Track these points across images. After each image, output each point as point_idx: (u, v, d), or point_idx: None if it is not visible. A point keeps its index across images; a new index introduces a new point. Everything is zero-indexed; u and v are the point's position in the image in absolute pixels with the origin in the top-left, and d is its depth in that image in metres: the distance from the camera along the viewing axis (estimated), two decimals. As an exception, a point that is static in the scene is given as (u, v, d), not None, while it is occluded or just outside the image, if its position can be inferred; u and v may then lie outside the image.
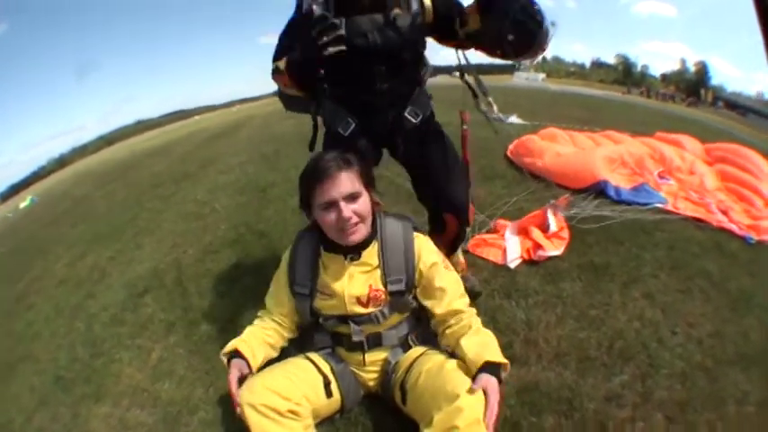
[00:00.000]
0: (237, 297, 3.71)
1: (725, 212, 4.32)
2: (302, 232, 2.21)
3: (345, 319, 2.11)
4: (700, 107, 44.13)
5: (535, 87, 35.20)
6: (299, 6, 2.29)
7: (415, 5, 2.22)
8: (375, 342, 2.15)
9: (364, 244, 2.03)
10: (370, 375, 2.22)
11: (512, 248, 3.67)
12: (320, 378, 2.07)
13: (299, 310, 2.18)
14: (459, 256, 3.09)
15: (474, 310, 2.10)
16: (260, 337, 2.17)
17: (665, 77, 79.37)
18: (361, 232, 1.95)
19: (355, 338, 2.12)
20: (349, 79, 2.31)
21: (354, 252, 2.03)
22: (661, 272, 3.40)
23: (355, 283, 2.05)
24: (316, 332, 2.24)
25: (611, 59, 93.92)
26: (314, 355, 2.17)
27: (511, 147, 6.37)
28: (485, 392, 1.68)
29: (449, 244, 2.73)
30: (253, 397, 1.83)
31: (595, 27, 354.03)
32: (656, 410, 2.25)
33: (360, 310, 2.07)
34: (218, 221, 5.74)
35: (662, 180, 5.13)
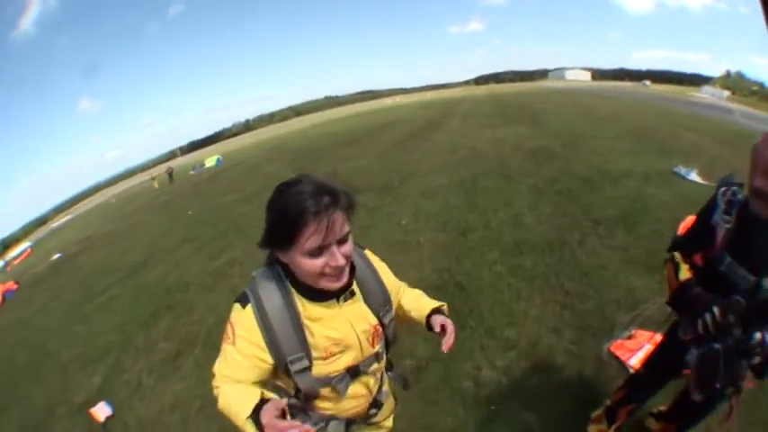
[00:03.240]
0: (436, 347, 4.61)
1: None
2: (262, 283, 1.75)
3: (357, 370, 1.92)
4: None
5: (719, 109, 32.23)
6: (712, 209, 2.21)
7: None
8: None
9: (349, 284, 1.79)
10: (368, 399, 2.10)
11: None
12: None
13: (304, 388, 1.82)
14: None
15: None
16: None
17: None
18: (347, 276, 1.72)
19: (367, 369, 1.96)
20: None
21: (342, 294, 1.79)
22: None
23: (358, 325, 1.85)
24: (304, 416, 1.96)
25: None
26: None
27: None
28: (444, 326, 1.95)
29: None
30: None
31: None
32: None
33: (371, 350, 1.93)
34: (424, 259, 6.78)
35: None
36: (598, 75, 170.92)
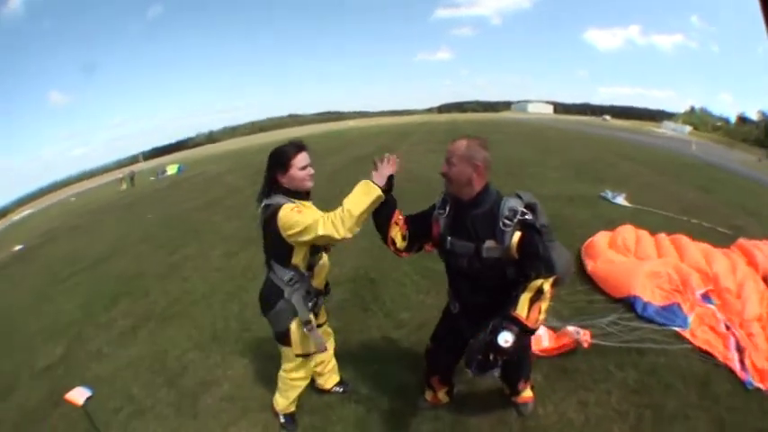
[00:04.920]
0: (345, 324, 5.56)
1: (742, 351, 4.49)
2: (278, 197, 3.13)
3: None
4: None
5: (680, 143, 32.99)
6: (436, 205, 3.09)
7: (506, 240, 2.70)
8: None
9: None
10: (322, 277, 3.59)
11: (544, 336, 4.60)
12: None
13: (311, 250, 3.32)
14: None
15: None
16: None
17: (805, 138, 75.94)
18: (312, 182, 3.26)
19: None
20: (453, 278, 3.19)
21: (308, 195, 3.32)
22: (618, 391, 3.95)
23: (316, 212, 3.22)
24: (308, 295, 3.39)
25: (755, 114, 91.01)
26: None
27: (585, 243, 7.11)
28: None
29: None
30: None
31: (740, 76, 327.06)
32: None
33: None
34: (346, 260, 7.73)
35: (704, 300, 5.44)
36: (561, 109, 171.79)
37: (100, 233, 18.79)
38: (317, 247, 3.28)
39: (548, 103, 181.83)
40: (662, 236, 7.09)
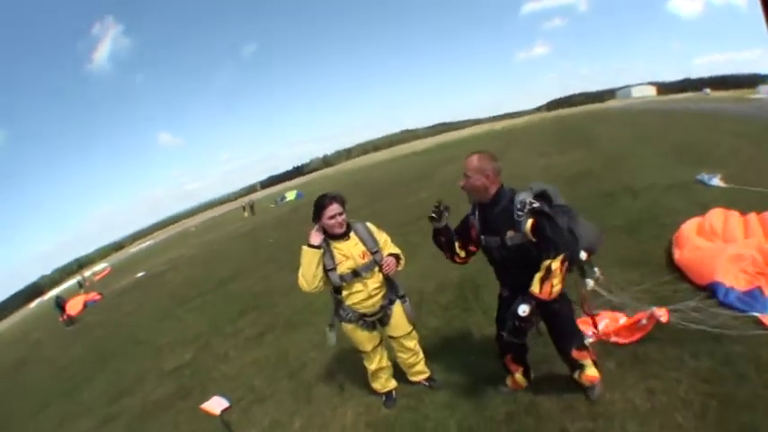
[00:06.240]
0: (448, 321, 6.39)
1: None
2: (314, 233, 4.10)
3: (356, 271, 4.15)
4: None
5: None
6: (469, 212, 3.85)
7: (522, 227, 3.35)
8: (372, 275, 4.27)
9: (347, 232, 4.16)
10: (373, 300, 4.32)
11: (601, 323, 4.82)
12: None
13: (333, 281, 4.16)
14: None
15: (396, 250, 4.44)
16: None
17: None
18: (343, 228, 4.08)
19: (364, 273, 4.17)
20: (496, 268, 3.88)
21: (345, 236, 4.13)
22: (687, 380, 3.91)
23: (354, 249, 4.15)
24: (342, 311, 4.35)
25: None
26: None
27: (676, 233, 6.79)
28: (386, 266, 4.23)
29: None
30: None
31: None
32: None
33: (362, 261, 4.15)
34: (455, 267, 8.06)
35: (789, 283, 5.15)
36: (663, 89, 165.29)
37: (223, 258, 20.77)
38: (343, 276, 4.13)
39: (650, 84, 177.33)
40: (751, 215, 6.66)
